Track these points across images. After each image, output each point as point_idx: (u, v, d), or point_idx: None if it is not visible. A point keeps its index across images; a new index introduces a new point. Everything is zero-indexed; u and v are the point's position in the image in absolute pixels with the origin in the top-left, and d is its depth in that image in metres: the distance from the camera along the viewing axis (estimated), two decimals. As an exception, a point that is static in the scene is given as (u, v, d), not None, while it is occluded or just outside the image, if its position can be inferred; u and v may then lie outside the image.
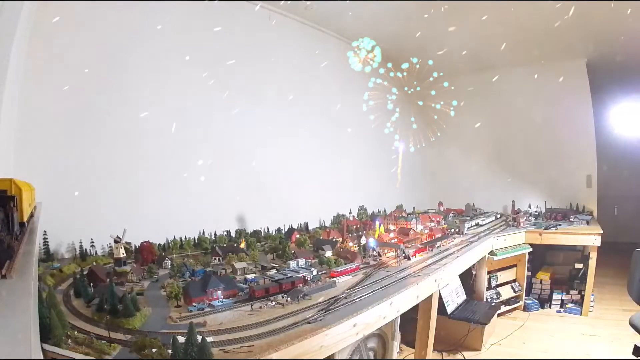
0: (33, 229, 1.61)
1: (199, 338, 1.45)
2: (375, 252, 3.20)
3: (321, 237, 3.74)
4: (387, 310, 2.25)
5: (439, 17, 4.45)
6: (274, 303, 2.09)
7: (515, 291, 4.70)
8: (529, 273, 4.88)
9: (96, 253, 2.94)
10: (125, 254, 2.77)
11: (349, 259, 2.97)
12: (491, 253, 4.30)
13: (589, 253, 4.49)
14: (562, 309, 4.62)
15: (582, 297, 4.51)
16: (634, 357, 2.69)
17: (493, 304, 4.25)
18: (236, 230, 3.82)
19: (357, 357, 2.66)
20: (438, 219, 4.72)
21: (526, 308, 4.70)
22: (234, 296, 2.18)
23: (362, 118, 5.51)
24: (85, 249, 2.87)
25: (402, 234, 3.80)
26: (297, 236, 3.66)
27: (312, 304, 2.08)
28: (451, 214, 5.37)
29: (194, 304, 2.01)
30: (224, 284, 2.18)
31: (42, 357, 1.23)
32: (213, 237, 3.59)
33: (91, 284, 2.16)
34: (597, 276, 4.47)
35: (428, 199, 6.60)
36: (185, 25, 3.50)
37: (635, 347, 2.67)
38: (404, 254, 3.09)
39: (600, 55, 5.26)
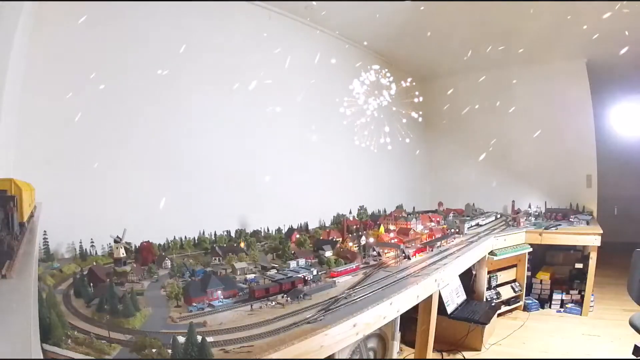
0: (33, 229, 1.61)
1: (199, 338, 1.45)
2: (375, 252, 3.20)
3: (321, 237, 3.74)
4: (387, 310, 2.24)
5: (438, 17, 4.45)
6: (274, 303, 2.08)
7: (515, 291, 4.70)
8: (529, 273, 4.88)
9: (96, 253, 2.94)
10: (125, 254, 2.77)
11: (349, 259, 2.97)
12: (491, 253, 4.29)
13: (589, 253, 4.49)
14: (562, 309, 4.61)
15: (582, 297, 4.51)
16: (634, 357, 2.69)
17: (493, 304, 4.25)
18: (236, 230, 3.82)
19: (357, 357, 2.66)
20: (438, 219, 4.72)
21: (526, 308, 4.70)
22: (234, 296, 2.17)
23: (362, 118, 5.53)
24: (85, 249, 2.86)
25: (402, 234, 3.80)
26: (297, 236, 3.66)
27: (312, 304, 2.08)
28: (451, 214, 5.37)
29: (194, 304, 2.01)
30: (224, 284, 2.18)
31: (42, 357, 1.23)
32: (213, 237, 3.58)
33: (91, 284, 2.16)
34: (597, 276, 4.46)
35: (428, 199, 6.60)
36: (186, 26, 3.50)
37: (635, 347, 2.67)
38: (404, 254, 3.09)
39: (600, 55, 5.26)
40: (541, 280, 4.87)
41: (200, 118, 3.66)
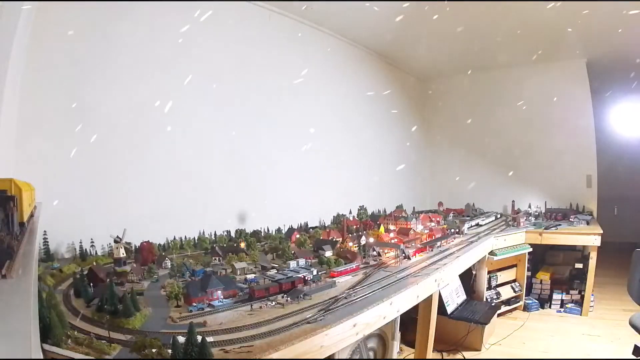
0: (33, 229, 1.61)
1: (199, 338, 1.45)
2: (375, 252, 3.20)
3: (321, 237, 3.74)
4: (387, 310, 2.24)
5: (439, 16, 4.45)
6: (274, 303, 2.08)
7: (515, 291, 4.70)
8: (529, 273, 4.89)
9: (96, 253, 2.93)
10: (125, 254, 2.76)
11: (349, 259, 2.97)
12: (491, 253, 4.29)
13: (589, 253, 4.49)
14: (562, 309, 4.62)
15: (582, 297, 4.51)
16: (634, 357, 2.69)
17: (493, 304, 4.25)
18: (236, 230, 3.82)
19: (357, 357, 2.66)
20: (438, 219, 4.72)
21: (526, 308, 4.70)
22: (234, 296, 2.17)
23: (362, 118, 5.54)
24: (85, 249, 2.86)
25: (402, 234, 3.80)
26: (297, 236, 3.66)
27: (312, 304, 2.08)
28: (451, 214, 5.38)
29: (194, 304, 2.00)
30: (224, 284, 2.18)
31: (42, 357, 1.23)
32: (213, 237, 3.58)
33: (91, 284, 2.16)
34: (597, 276, 4.47)
35: (428, 199, 6.61)
36: (186, 25, 3.50)
37: (635, 347, 2.68)
38: (404, 254, 3.09)
39: (600, 55, 5.27)
40: (541, 280, 4.87)
41: (200, 118, 3.65)
